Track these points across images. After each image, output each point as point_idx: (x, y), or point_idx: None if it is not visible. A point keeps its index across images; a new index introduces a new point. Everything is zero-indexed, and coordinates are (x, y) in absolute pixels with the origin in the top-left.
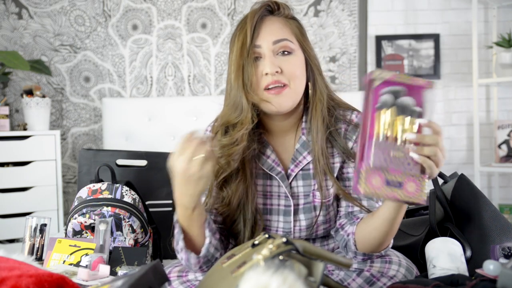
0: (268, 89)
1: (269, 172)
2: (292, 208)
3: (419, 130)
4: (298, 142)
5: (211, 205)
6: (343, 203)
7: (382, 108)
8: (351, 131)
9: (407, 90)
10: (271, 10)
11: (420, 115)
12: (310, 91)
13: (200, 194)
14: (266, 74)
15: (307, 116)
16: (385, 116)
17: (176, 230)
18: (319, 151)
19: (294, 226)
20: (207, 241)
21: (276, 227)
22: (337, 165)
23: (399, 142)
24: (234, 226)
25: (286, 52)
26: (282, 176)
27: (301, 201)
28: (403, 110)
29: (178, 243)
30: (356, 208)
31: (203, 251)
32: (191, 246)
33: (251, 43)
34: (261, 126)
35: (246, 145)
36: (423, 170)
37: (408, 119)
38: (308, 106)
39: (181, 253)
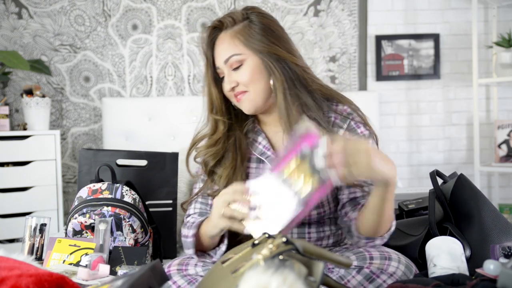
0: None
1: (259, 156)
2: None
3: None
4: None
5: (203, 191)
6: (346, 191)
7: (297, 157)
8: (342, 120)
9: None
10: (219, 27)
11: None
12: (272, 87)
13: (218, 233)
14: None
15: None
16: (295, 163)
17: (190, 240)
18: None
19: None
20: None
21: None
22: None
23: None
24: None
25: (236, 67)
26: (272, 159)
27: None
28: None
29: (190, 249)
30: (359, 194)
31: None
32: (200, 246)
33: (213, 67)
34: (256, 118)
35: (232, 136)
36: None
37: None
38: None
39: (190, 251)
